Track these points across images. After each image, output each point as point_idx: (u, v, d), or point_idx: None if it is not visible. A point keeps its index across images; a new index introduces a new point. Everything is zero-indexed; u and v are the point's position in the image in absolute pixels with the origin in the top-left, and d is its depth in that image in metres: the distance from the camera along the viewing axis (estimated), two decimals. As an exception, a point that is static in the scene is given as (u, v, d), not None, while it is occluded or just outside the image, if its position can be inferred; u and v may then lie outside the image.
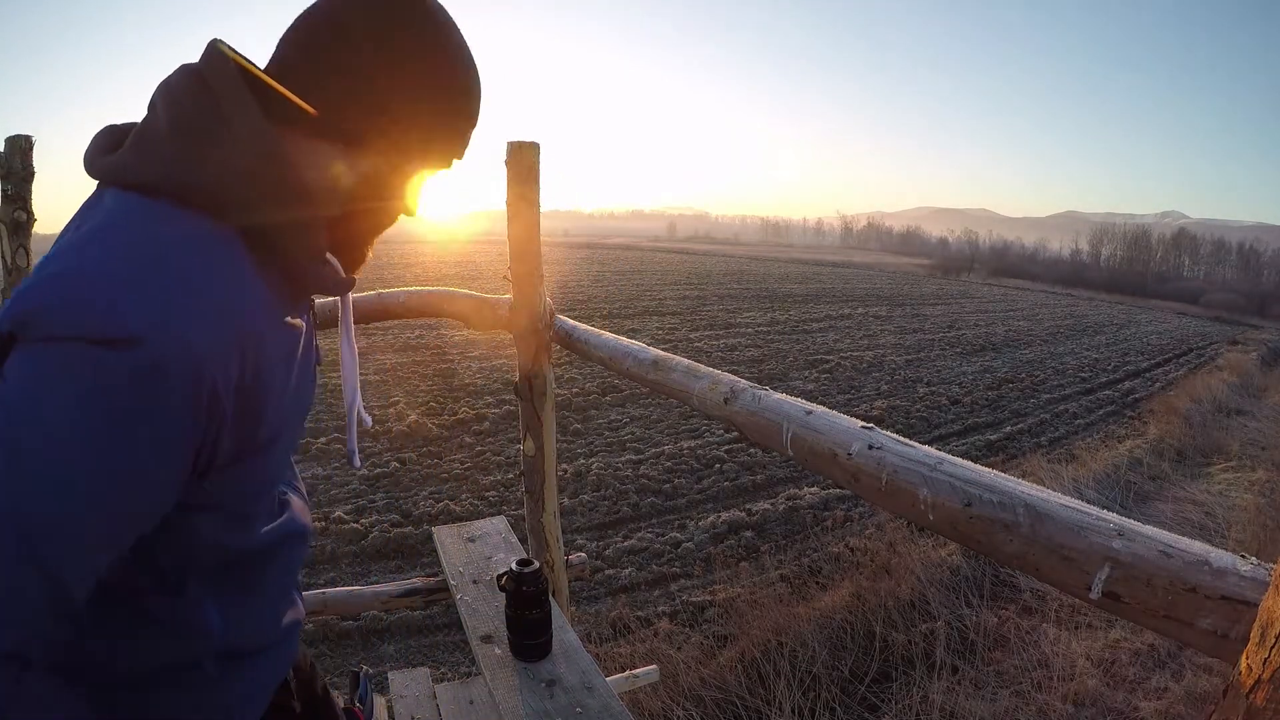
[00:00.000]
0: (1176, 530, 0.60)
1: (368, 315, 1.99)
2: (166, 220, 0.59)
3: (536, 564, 1.58)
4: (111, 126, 0.66)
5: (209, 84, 0.62)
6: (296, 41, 0.65)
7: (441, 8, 0.67)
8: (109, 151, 0.63)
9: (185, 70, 0.64)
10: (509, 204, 1.96)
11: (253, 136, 0.61)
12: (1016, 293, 45.27)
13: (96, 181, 0.64)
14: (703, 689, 3.56)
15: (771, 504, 6.71)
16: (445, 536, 2.11)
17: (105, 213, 0.60)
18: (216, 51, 0.64)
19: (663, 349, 1.57)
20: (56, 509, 0.53)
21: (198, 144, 0.60)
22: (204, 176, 0.60)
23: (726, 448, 8.08)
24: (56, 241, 0.62)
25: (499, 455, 7.68)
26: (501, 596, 1.58)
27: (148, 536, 0.61)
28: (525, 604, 1.53)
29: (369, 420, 1.02)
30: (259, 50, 0.68)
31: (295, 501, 0.86)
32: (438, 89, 0.67)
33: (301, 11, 0.66)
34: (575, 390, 10.28)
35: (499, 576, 1.60)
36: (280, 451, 0.74)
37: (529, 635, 1.54)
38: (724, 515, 6.42)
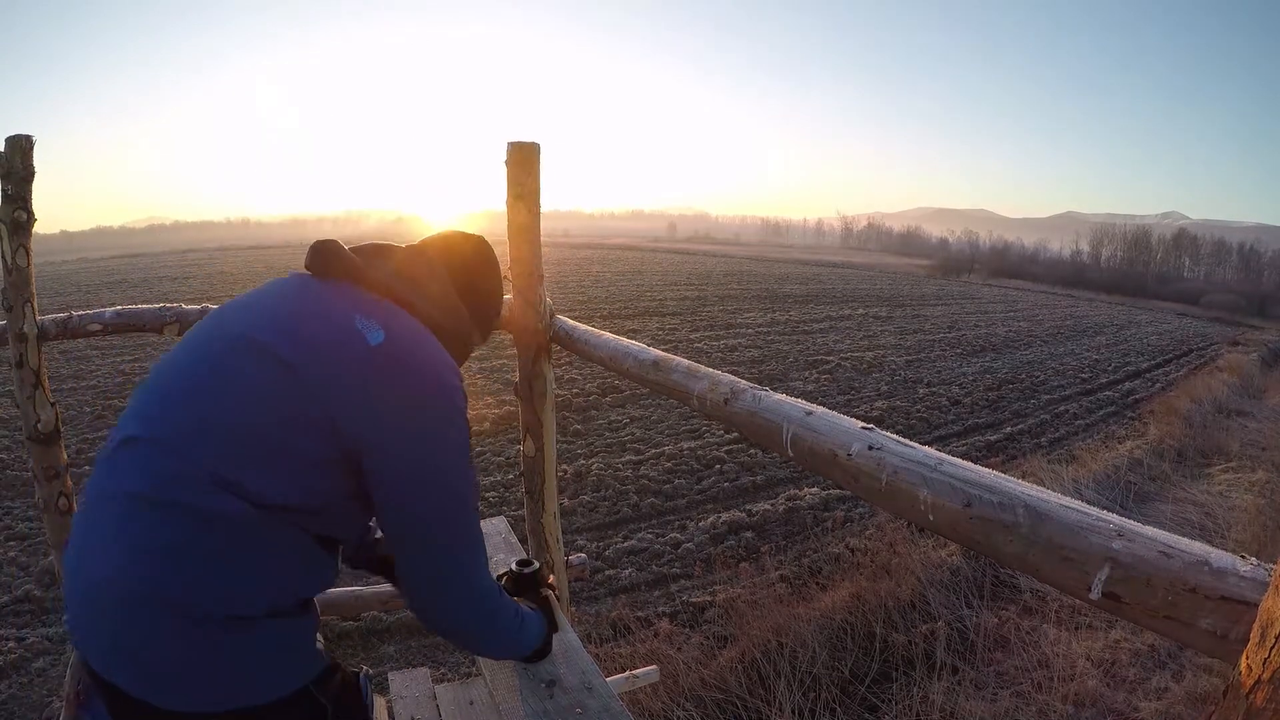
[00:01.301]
0: (1176, 531, 0.60)
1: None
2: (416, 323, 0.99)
3: (536, 564, 1.57)
4: (333, 243, 1.01)
5: (432, 267, 1.08)
6: (441, 263, 1.11)
7: None
8: (345, 258, 0.99)
9: (412, 251, 1.10)
10: (509, 204, 1.95)
11: (456, 304, 1.09)
12: (1017, 293, 45.25)
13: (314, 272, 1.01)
14: (703, 690, 3.56)
15: (771, 505, 6.70)
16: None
17: (392, 314, 0.96)
18: (427, 254, 1.10)
19: (663, 349, 1.57)
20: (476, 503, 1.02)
21: (421, 291, 1.03)
22: (425, 307, 1.02)
23: (726, 448, 8.08)
24: (292, 302, 0.96)
25: (499, 455, 7.68)
26: None
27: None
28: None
29: None
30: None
31: None
32: (499, 301, 1.24)
33: (436, 244, 1.15)
34: (575, 391, 10.29)
35: (498, 577, 1.59)
36: None
37: None
38: (724, 516, 6.42)
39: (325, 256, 1.00)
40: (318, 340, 0.89)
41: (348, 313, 0.92)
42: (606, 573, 5.41)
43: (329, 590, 1.53)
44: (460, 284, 1.12)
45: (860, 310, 24.59)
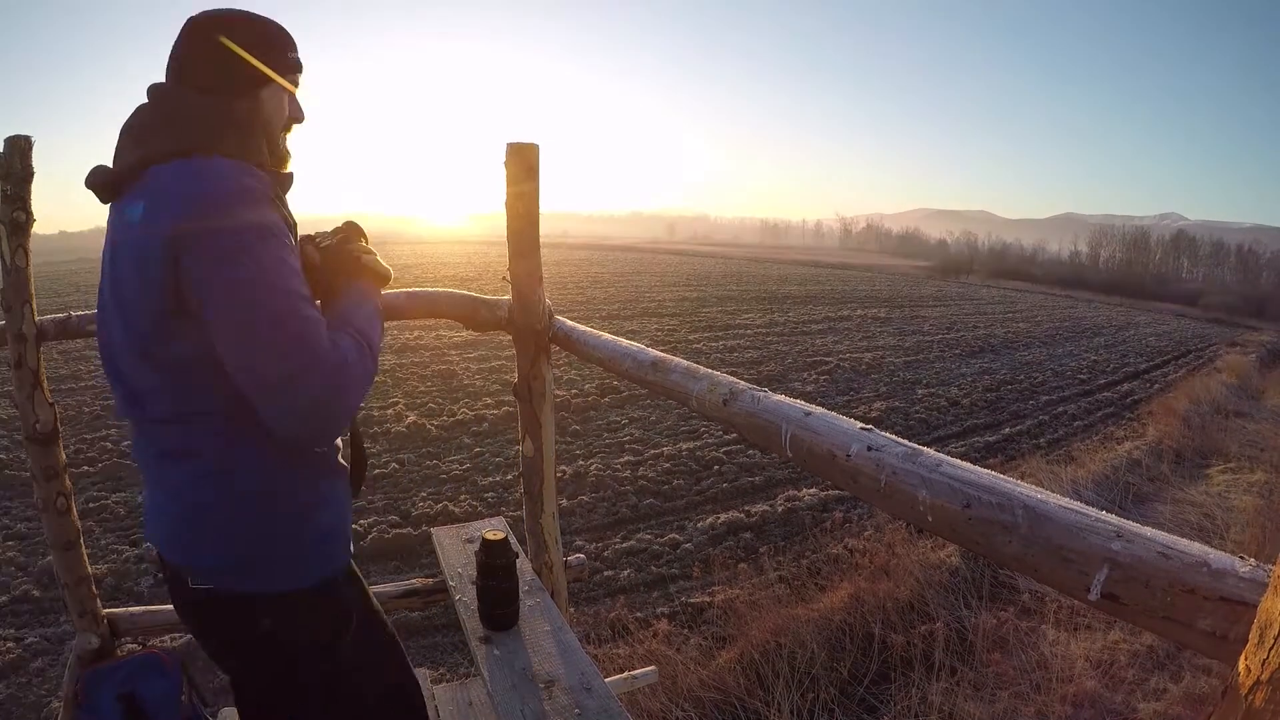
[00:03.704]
0: (1175, 532, 0.60)
1: (367, 316, 1.98)
2: None
3: (504, 534, 1.64)
4: (104, 168, 1.06)
5: (164, 94, 1.09)
6: (171, 80, 1.10)
7: None
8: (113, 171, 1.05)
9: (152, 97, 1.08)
10: (508, 205, 1.95)
11: (194, 101, 1.09)
12: (1015, 294, 45.27)
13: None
14: (702, 690, 3.56)
15: (770, 505, 6.70)
16: (444, 537, 2.11)
17: (148, 177, 1.01)
18: (160, 88, 1.09)
19: (662, 350, 1.57)
20: None
21: (166, 131, 1.06)
22: (170, 141, 1.05)
23: (725, 449, 8.08)
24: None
25: (498, 456, 7.68)
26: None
27: None
28: (496, 575, 1.61)
29: None
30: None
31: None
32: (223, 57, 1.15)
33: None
34: (574, 392, 10.28)
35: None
36: None
37: (498, 605, 1.63)
38: (723, 517, 6.42)
39: (109, 180, 1.04)
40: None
41: (121, 209, 1.02)
42: (605, 573, 5.40)
43: None
44: (187, 76, 1.07)
45: (859, 311, 24.60)
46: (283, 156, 1.17)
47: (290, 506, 1.11)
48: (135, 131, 1.04)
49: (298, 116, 1.18)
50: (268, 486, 1.08)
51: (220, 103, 1.05)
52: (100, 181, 1.05)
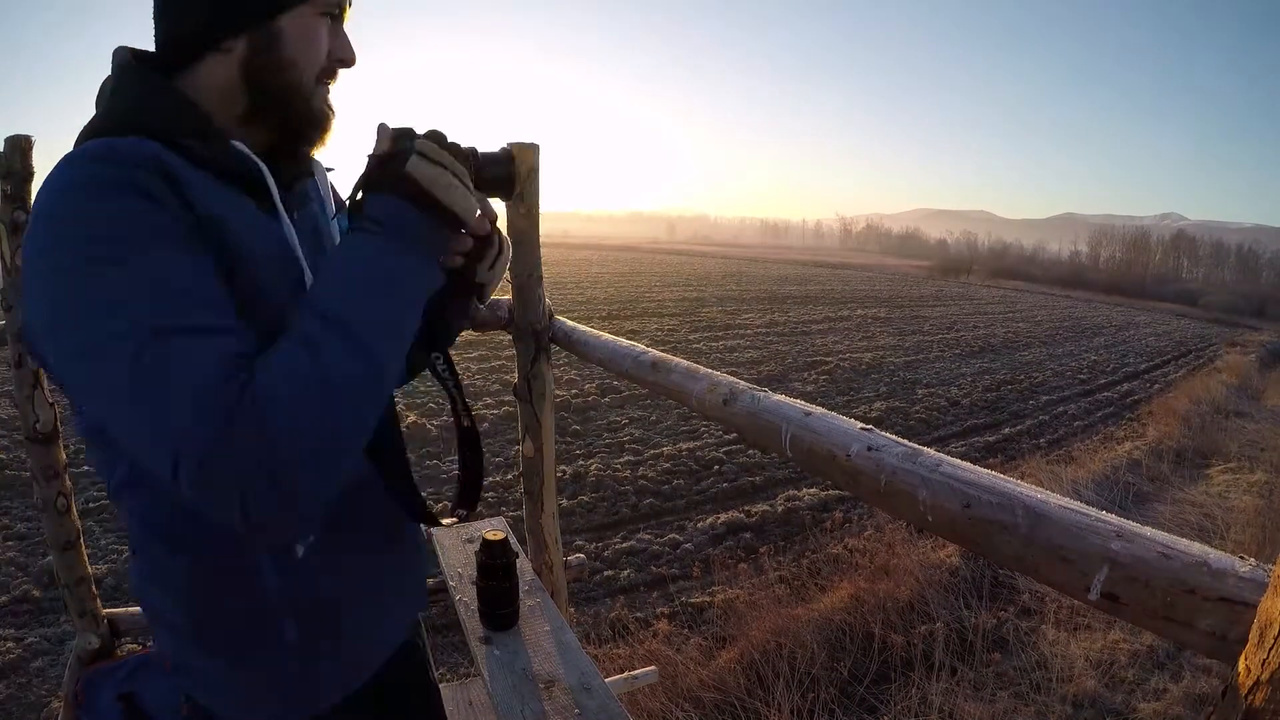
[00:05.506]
0: (1175, 532, 0.60)
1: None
2: None
3: (504, 534, 1.65)
4: None
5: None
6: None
7: None
8: None
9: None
10: (508, 205, 1.96)
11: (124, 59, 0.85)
12: (1015, 294, 45.30)
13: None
14: (702, 690, 3.56)
15: (770, 505, 6.70)
16: (444, 537, 2.11)
17: None
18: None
19: (662, 350, 1.57)
20: None
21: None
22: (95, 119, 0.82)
23: (725, 449, 8.08)
24: None
25: (498, 456, 7.67)
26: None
27: None
28: (495, 575, 1.62)
29: None
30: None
31: None
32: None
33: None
34: (574, 392, 10.28)
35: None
36: None
37: (498, 605, 1.64)
38: (723, 517, 6.42)
39: None
40: None
41: None
42: (605, 573, 5.40)
43: None
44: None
45: (859, 311, 24.60)
46: (311, 117, 0.81)
47: None
48: None
49: (347, 58, 0.82)
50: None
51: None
52: None
